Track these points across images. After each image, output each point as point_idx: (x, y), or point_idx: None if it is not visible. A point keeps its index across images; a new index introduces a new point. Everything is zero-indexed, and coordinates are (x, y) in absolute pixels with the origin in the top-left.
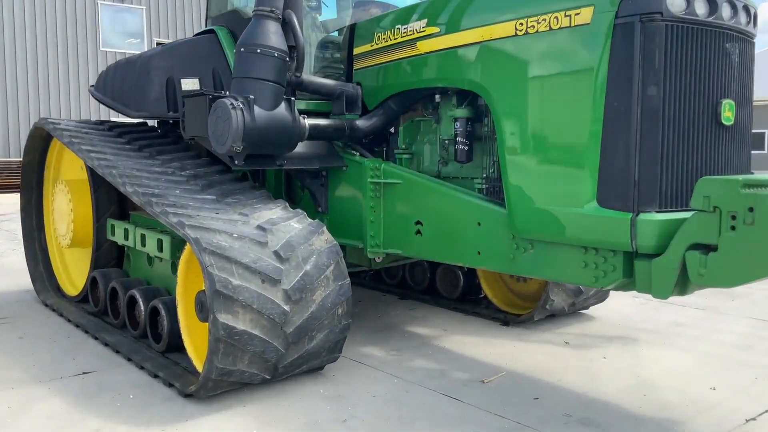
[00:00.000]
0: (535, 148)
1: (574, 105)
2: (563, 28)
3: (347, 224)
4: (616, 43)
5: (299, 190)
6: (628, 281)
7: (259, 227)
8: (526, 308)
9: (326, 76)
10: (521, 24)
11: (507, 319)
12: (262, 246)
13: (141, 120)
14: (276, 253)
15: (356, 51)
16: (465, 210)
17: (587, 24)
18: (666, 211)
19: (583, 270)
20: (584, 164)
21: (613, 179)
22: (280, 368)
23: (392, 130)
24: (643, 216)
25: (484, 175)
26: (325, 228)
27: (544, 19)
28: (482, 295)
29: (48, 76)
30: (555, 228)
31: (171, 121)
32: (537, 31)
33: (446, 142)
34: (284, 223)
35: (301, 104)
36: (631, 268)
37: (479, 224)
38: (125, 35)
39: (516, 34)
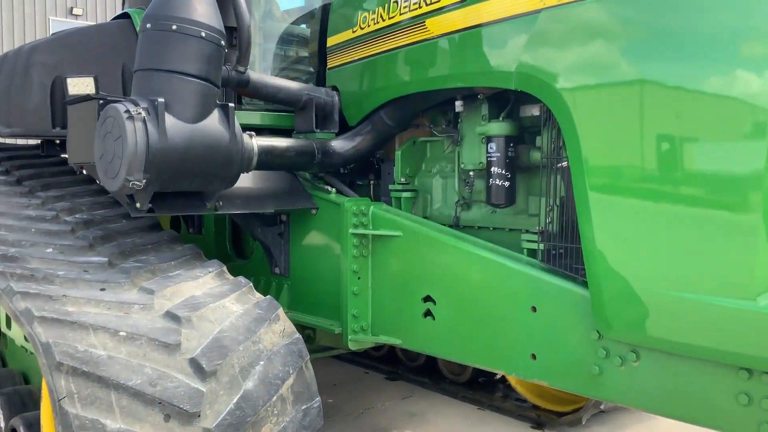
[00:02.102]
0: (655, 192)
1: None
2: None
3: (318, 295)
4: None
5: (252, 240)
6: None
7: (169, 315)
8: (571, 404)
9: (291, 80)
10: None
11: (541, 418)
12: (169, 351)
13: (22, 139)
14: (194, 364)
15: (331, 41)
16: (508, 285)
17: None
18: None
19: (743, 409)
20: (761, 228)
21: None
22: None
23: (385, 155)
24: None
25: (540, 227)
26: (280, 311)
27: None
28: (503, 380)
29: None
30: (691, 331)
31: (58, 141)
32: None
33: (471, 174)
34: (213, 305)
35: (247, 116)
36: None
37: (534, 310)
38: None
39: None
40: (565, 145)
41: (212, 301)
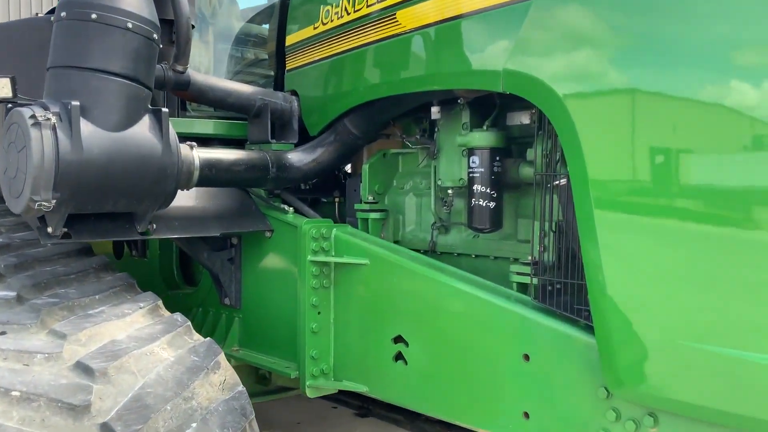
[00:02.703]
0: (682, 215)
1: None
2: None
3: (273, 331)
4: None
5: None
6: None
7: (81, 367)
8: None
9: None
10: None
11: None
12: (75, 416)
13: None
14: (105, 430)
15: (290, 40)
16: (495, 326)
17: None
18: None
19: None
20: None
21: None
22: None
23: (350, 169)
24: None
25: (532, 257)
26: (221, 358)
27: None
28: None
29: None
30: (727, 394)
31: None
32: None
33: (450, 192)
34: (138, 352)
35: (192, 125)
36: None
37: (527, 358)
38: None
39: None
40: (565, 158)
41: (138, 347)
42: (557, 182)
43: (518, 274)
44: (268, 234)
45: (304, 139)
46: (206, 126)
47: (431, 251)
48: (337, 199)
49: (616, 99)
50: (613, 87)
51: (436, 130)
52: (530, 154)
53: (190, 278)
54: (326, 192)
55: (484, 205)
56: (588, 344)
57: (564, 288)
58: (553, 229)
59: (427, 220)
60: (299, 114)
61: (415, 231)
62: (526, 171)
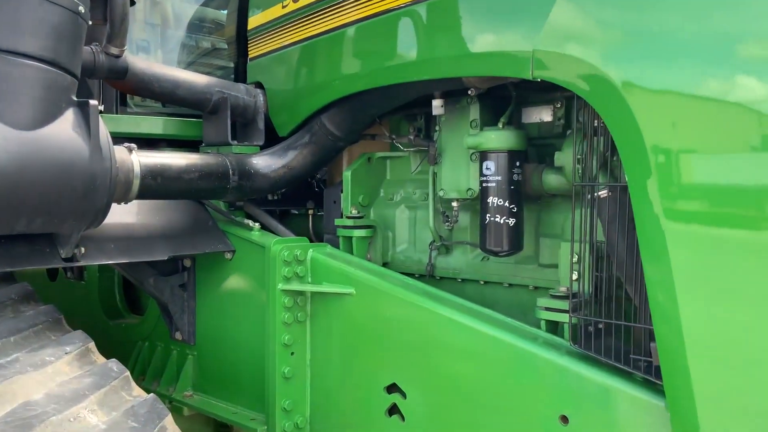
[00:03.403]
0: None
1: None
2: None
3: (235, 374)
4: None
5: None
6: None
7: None
8: None
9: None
10: None
11: None
12: None
13: None
14: None
15: (254, 22)
16: (521, 378)
17: None
18: None
19: None
20: None
21: None
22: None
23: (330, 177)
24: None
25: (570, 289)
26: (167, 421)
27: None
28: None
29: None
30: None
31: None
32: None
33: (454, 205)
34: (59, 417)
35: (135, 123)
36: None
37: (565, 421)
38: None
39: None
40: (623, 161)
41: (59, 410)
42: (599, 194)
43: (548, 309)
44: (228, 256)
45: (272, 140)
46: (152, 124)
47: (429, 276)
48: (311, 212)
49: (698, 87)
50: (695, 72)
51: (436, 129)
52: (559, 159)
53: (136, 304)
54: (299, 203)
55: (501, 221)
56: (647, 405)
57: (610, 328)
58: (597, 252)
59: (424, 239)
60: (265, 110)
61: (408, 251)
62: (552, 179)
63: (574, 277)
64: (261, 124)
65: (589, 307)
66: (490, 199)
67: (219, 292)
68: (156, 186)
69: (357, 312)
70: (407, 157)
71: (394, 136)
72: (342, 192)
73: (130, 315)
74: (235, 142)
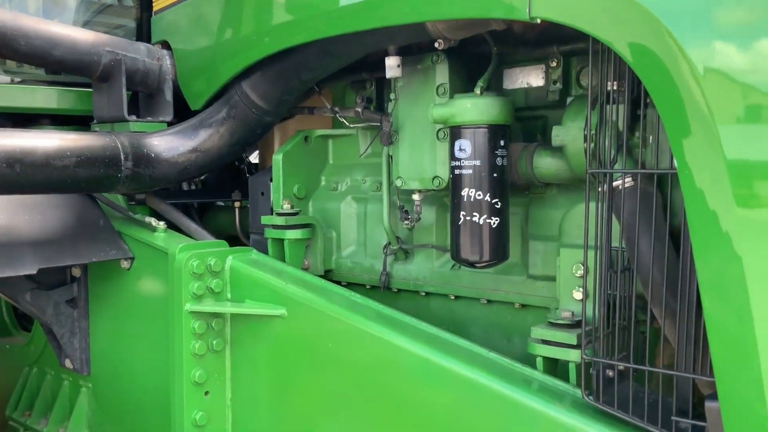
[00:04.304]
0: None
1: None
2: None
3: (137, 412)
4: None
5: None
6: None
7: None
8: None
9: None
10: None
11: None
12: None
13: None
14: None
15: None
16: None
17: None
18: None
19: None
20: None
21: None
22: None
23: (261, 161)
24: None
25: (567, 312)
26: None
27: None
28: None
29: None
30: None
31: None
32: None
33: (417, 197)
34: None
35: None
36: None
37: None
38: None
39: None
40: (672, 138)
41: None
42: (618, 184)
43: (546, 343)
44: (125, 264)
45: (184, 115)
46: (30, 96)
47: (384, 288)
48: (238, 205)
49: None
50: None
51: (391, 97)
52: (558, 135)
53: (29, 319)
54: (224, 194)
55: (480, 221)
56: None
57: (637, 372)
58: (621, 262)
59: (377, 241)
60: (174, 77)
61: (357, 256)
62: (547, 164)
63: (578, 295)
64: (168, 95)
65: (607, 340)
66: (465, 192)
67: (117, 311)
68: (14, 176)
69: (290, 338)
70: (355, 136)
71: (337, 109)
72: (271, 181)
73: (19, 332)
74: (134, 118)
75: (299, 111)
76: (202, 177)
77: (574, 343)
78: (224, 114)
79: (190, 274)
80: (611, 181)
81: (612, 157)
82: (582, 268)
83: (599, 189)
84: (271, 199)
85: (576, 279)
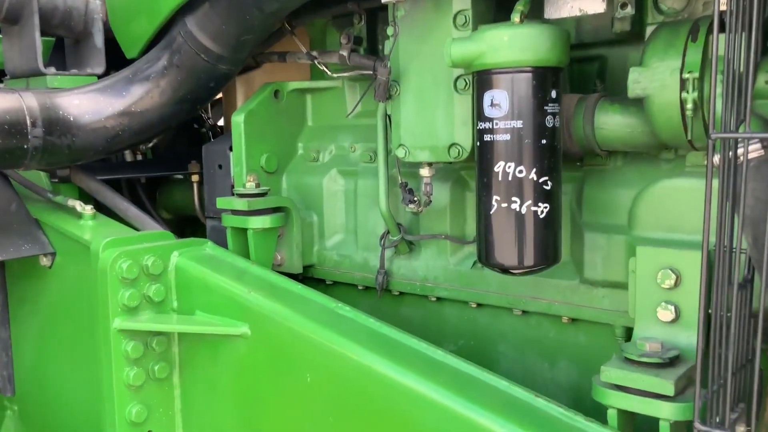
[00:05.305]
0: None
1: None
2: None
3: None
4: None
5: None
6: None
7: None
8: None
9: None
10: None
11: None
12: None
13: None
14: None
15: None
16: None
17: None
18: None
19: None
20: None
21: None
22: None
23: (225, 123)
24: None
25: (662, 346)
26: None
27: None
28: None
29: None
30: None
31: None
32: None
33: (426, 172)
34: None
35: None
36: None
37: None
38: None
39: None
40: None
41: None
42: (740, 151)
43: (623, 389)
44: (44, 261)
45: (117, 66)
46: None
47: (381, 290)
48: (196, 179)
49: None
50: None
51: (389, 33)
52: (635, 83)
53: None
54: (177, 163)
55: (522, 210)
56: None
57: None
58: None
59: (371, 228)
60: (105, 18)
61: (346, 248)
62: (615, 125)
63: (665, 315)
64: (99, 40)
65: (721, 391)
66: (499, 166)
67: (41, 318)
68: None
69: (256, 363)
70: (340, 89)
71: (315, 54)
72: (231, 151)
73: None
74: (53, 71)
75: (267, 57)
76: (150, 145)
77: (671, 393)
78: (165, 62)
79: (119, 280)
80: (735, 149)
81: (742, 119)
82: (672, 275)
83: (708, 161)
84: (231, 173)
85: (662, 291)
